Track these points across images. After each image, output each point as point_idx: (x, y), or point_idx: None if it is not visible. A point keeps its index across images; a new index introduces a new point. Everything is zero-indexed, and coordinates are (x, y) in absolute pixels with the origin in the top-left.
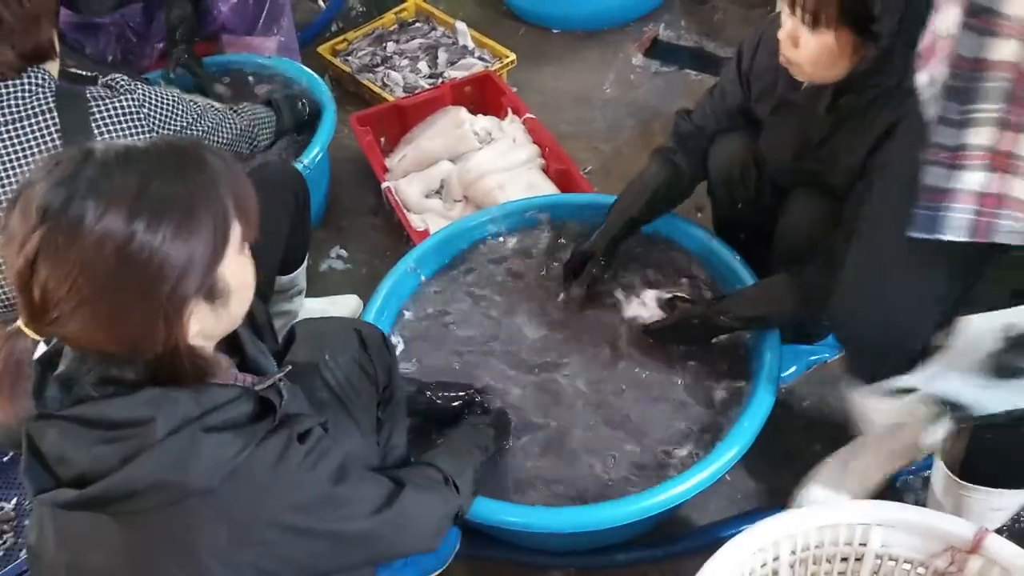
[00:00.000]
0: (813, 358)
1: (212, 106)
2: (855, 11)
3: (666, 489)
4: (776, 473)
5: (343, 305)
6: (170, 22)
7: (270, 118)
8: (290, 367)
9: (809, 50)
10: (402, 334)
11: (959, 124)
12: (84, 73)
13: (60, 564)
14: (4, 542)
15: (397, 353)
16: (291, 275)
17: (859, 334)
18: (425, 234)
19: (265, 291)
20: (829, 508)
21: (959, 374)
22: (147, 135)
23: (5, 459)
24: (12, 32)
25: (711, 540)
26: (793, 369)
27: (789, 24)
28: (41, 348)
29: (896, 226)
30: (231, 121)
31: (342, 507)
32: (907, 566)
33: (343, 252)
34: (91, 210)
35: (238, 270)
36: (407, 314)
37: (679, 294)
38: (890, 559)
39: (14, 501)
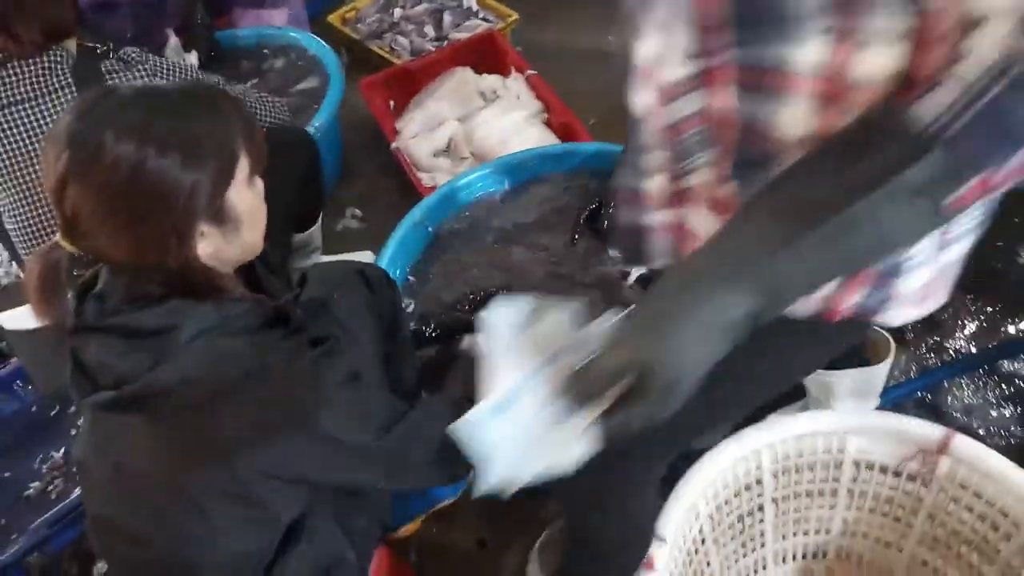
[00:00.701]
0: None
1: (224, 82)
2: None
3: None
4: (778, 403)
5: (357, 260)
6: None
7: (284, 113)
8: (300, 291)
9: None
10: (413, 281)
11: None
12: (98, 47)
13: (105, 467)
14: (56, 487)
15: (408, 298)
16: (306, 232)
17: None
18: (434, 190)
19: (282, 244)
20: (807, 417)
21: None
22: None
23: (52, 413)
24: (35, 11)
25: None
26: None
27: None
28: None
29: None
30: (247, 101)
31: (350, 415)
32: (882, 476)
33: (358, 212)
34: (109, 137)
35: (247, 199)
36: (416, 264)
37: None
38: (867, 467)
39: (62, 451)
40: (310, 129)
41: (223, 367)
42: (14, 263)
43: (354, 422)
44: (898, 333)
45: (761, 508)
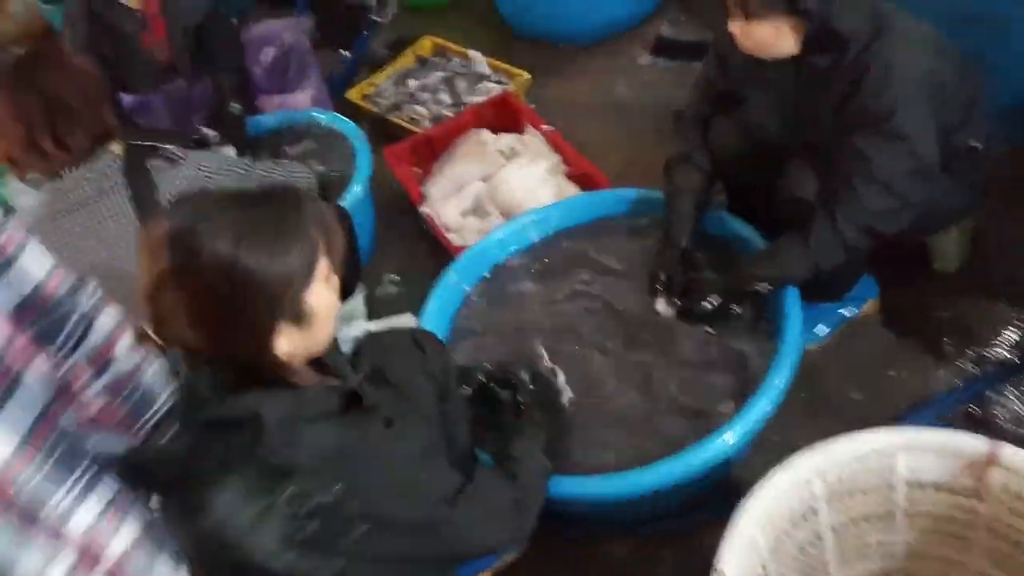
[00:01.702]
0: (841, 313)
1: (256, 164)
2: None
3: (709, 443)
4: (822, 425)
5: (399, 324)
6: (222, 92)
7: (308, 179)
8: (366, 370)
9: (754, 38)
10: (453, 338)
11: None
12: (145, 144)
13: None
14: None
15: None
16: (347, 304)
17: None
18: (465, 249)
19: None
20: (854, 439)
21: None
22: None
23: None
24: (82, 118)
25: None
26: (823, 327)
27: (732, 22)
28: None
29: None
30: (276, 177)
31: (419, 492)
32: (936, 494)
33: (395, 277)
34: (206, 241)
35: (323, 298)
36: (455, 321)
37: (694, 276)
38: (919, 486)
39: None
40: (343, 202)
41: (304, 452)
42: None
43: (418, 500)
44: (937, 345)
45: (820, 537)
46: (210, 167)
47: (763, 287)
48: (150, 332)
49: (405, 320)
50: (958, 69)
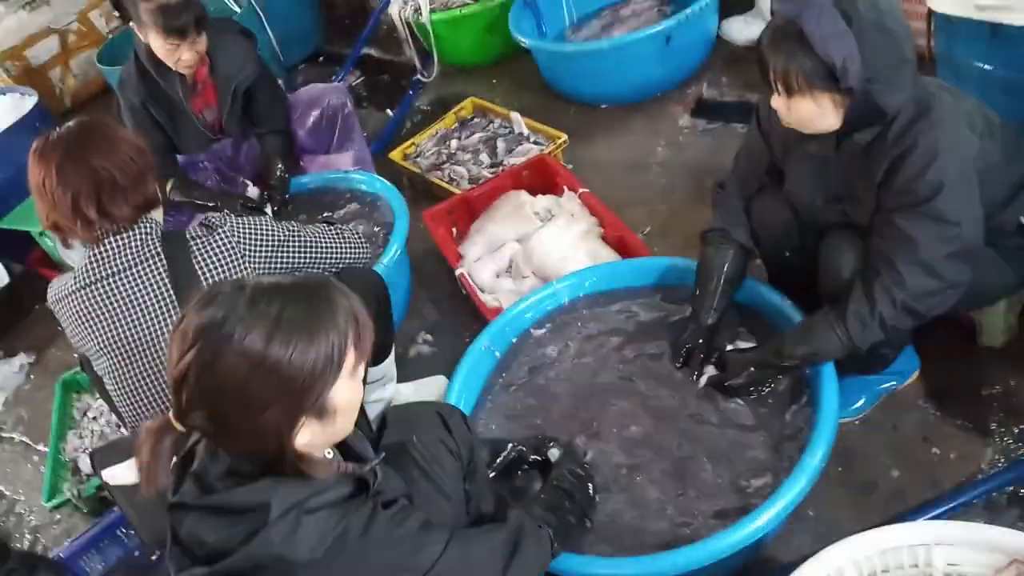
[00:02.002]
0: (881, 387)
1: (305, 229)
2: (818, 74)
3: (741, 528)
4: (859, 501)
5: (431, 385)
6: (267, 153)
7: (362, 241)
8: (384, 454)
9: (797, 114)
10: (483, 408)
11: None
12: (200, 203)
13: None
14: None
15: (480, 424)
16: (380, 365)
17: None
18: (500, 311)
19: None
20: (889, 531)
21: None
22: (242, 260)
23: (154, 558)
24: (126, 191)
25: None
26: (862, 401)
27: (774, 97)
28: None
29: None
30: (326, 242)
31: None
32: None
33: (428, 337)
34: (236, 333)
35: (347, 393)
36: (486, 387)
37: (728, 348)
38: None
39: None
40: (380, 265)
41: (305, 543)
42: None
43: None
44: (982, 422)
45: None
46: (248, 234)
47: (795, 364)
48: (173, 421)
49: (437, 382)
50: (1007, 146)
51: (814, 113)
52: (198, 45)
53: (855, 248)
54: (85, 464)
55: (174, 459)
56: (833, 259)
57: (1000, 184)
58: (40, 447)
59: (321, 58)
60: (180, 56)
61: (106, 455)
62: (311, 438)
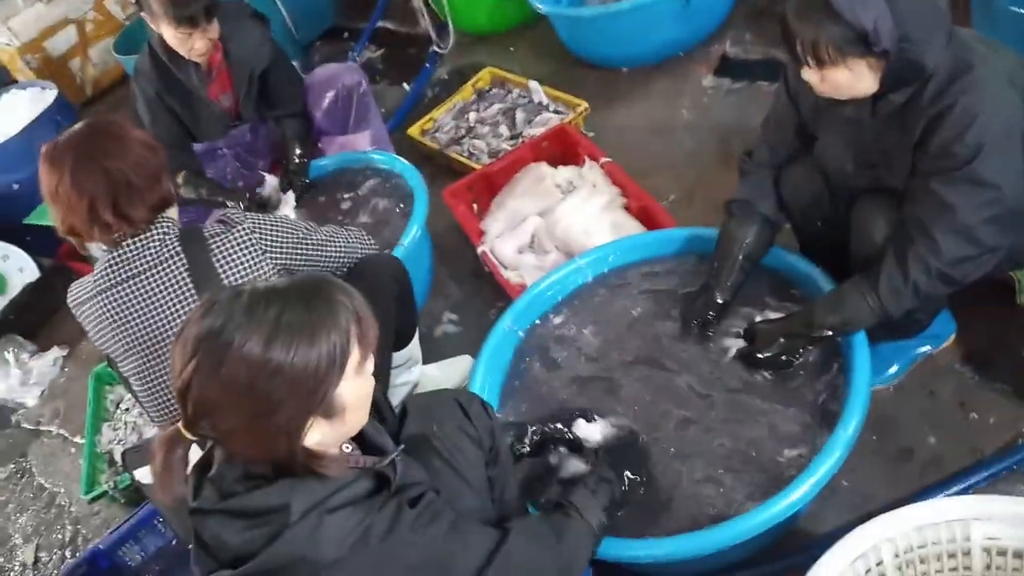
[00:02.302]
0: (916, 352)
1: (320, 228)
2: (849, 41)
3: (771, 506)
4: (894, 470)
5: (457, 366)
6: (286, 137)
7: (371, 241)
8: (403, 447)
9: (831, 84)
10: (509, 389)
11: None
12: (216, 199)
13: None
14: None
15: (507, 405)
16: (404, 349)
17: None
18: (523, 289)
19: (383, 372)
20: (924, 508)
21: None
22: (263, 258)
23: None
24: (142, 191)
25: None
26: (896, 367)
27: (805, 71)
28: (195, 450)
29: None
30: (339, 241)
31: (451, 567)
32: (1018, 560)
33: (453, 316)
34: (235, 345)
35: (355, 390)
36: (511, 368)
37: (758, 320)
38: (999, 553)
39: None
40: (400, 247)
41: (329, 543)
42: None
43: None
44: (1020, 384)
45: None
46: (267, 231)
47: (827, 334)
48: (184, 430)
49: (463, 362)
50: None
51: (849, 81)
52: (210, 33)
53: (887, 213)
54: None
55: (191, 465)
56: (865, 224)
57: None
58: (77, 439)
59: (344, 33)
60: (193, 45)
61: (138, 455)
62: (322, 437)
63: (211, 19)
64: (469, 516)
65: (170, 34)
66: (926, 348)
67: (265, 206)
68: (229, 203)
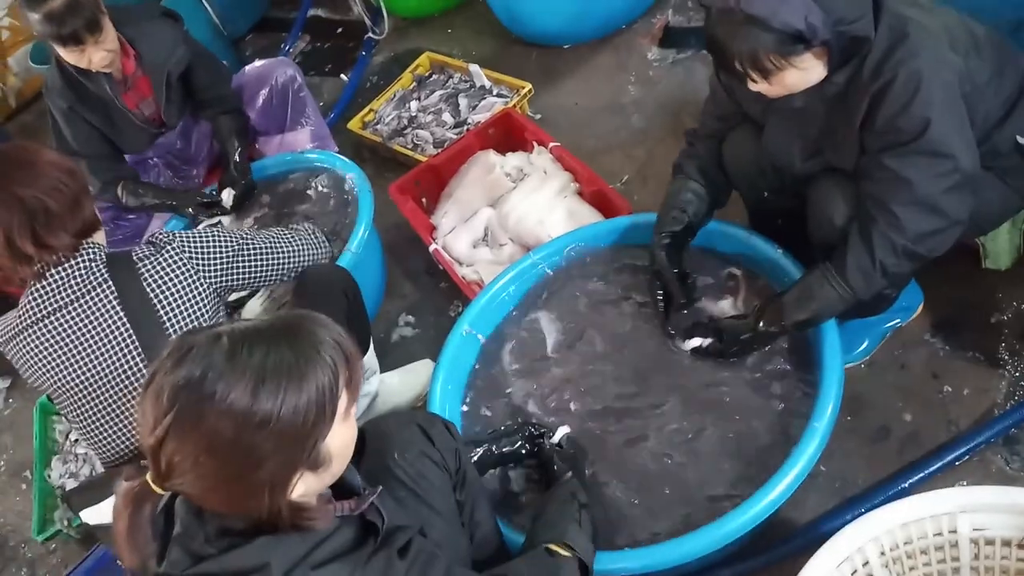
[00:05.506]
0: (886, 326)
1: (259, 236)
2: (787, 43)
3: (755, 503)
4: (872, 451)
5: (417, 373)
6: (222, 136)
7: (321, 239)
8: (381, 488)
9: (782, 86)
10: (472, 395)
11: None
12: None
13: None
14: None
15: (465, 412)
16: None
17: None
18: (479, 286)
19: None
20: (909, 503)
21: None
22: (196, 277)
23: None
24: (62, 218)
25: (814, 538)
26: (866, 343)
27: (751, 84)
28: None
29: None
30: (282, 246)
31: None
32: (1007, 549)
33: (410, 318)
34: (219, 388)
35: (343, 438)
36: (471, 374)
37: (728, 316)
38: (987, 543)
39: None
40: (347, 252)
41: None
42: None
43: None
44: (993, 352)
45: None
46: (198, 250)
47: (797, 329)
48: (153, 485)
49: (423, 368)
50: (995, 60)
51: (800, 77)
52: (105, 44)
53: (845, 193)
54: None
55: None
56: (823, 207)
57: (992, 102)
58: (27, 474)
59: (275, 25)
60: (90, 59)
61: (83, 496)
62: (306, 489)
63: (98, 31)
64: (446, 548)
65: (62, 52)
66: (895, 322)
67: (213, 207)
68: (173, 203)
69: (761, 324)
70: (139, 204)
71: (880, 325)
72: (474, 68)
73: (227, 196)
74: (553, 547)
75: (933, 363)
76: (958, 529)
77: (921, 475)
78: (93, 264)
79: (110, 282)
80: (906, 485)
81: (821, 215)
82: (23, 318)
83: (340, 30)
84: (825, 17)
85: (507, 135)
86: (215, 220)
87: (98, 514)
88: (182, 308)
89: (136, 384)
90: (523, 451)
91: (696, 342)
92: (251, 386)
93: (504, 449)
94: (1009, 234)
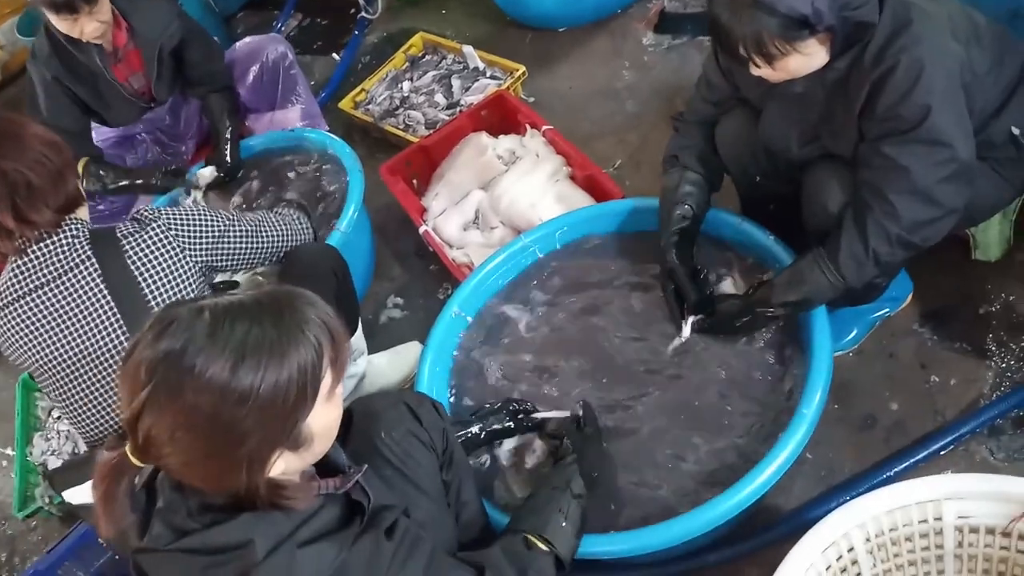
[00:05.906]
0: (875, 315)
1: (244, 217)
2: (792, 28)
3: (742, 488)
4: (858, 439)
5: (405, 354)
6: (212, 116)
7: (305, 226)
8: (366, 467)
9: (785, 70)
10: (460, 377)
11: None
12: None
13: None
14: None
15: (452, 393)
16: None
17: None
18: (469, 269)
19: None
20: (895, 490)
21: None
22: (181, 255)
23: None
24: (44, 192)
25: (800, 524)
26: (855, 332)
27: (754, 68)
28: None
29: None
30: (266, 229)
31: None
32: (990, 537)
33: (399, 300)
34: (198, 362)
35: (326, 419)
36: (459, 355)
37: (720, 294)
38: (971, 530)
39: None
40: (337, 232)
41: None
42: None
43: None
44: (980, 344)
45: None
46: (184, 227)
47: (787, 311)
48: (132, 457)
49: (411, 350)
50: (995, 50)
51: (804, 62)
52: (99, 15)
53: (841, 180)
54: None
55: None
56: (818, 193)
57: (990, 93)
58: (8, 451)
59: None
60: (82, 29)
61: (65, 476)
62: (286, 467)
63: (93, 1)
64: (431, 528)
65: (54, 20)
66: (885, 311)
67: (180, 175)
68: (139, 181)
69: (751, 303)
70: (100, 187)
71: (869, 314)
72: (468, 49)
73: (208, 172)
74: (531, 538)
75: (921, 353)
76: (943, 517)
77: (907, 464)
78: (76, 240)
79: (93, 259)
80: (892, 473)
81: (816, 201)
82: (3, 295)
83: (334, 8)
84: (831, 2)
85: (500, 117)
86: (200, 195)
87: (81, 494)
88: (166, 286)
89: (120, 362)
90: (510, 426)
91: (690, 320)
92: (231, 362)
93: (491, 428)
94: (1000, 226)
